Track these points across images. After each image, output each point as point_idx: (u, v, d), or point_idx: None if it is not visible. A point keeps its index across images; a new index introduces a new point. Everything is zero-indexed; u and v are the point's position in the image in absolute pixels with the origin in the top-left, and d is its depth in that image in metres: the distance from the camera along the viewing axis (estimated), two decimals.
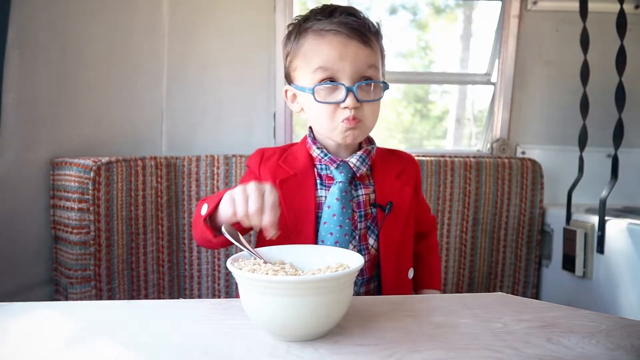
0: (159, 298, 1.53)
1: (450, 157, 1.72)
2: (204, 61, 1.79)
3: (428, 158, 1.69)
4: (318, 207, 0.97)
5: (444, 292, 1.71)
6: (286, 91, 1.02)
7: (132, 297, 1.48)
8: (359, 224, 0.97)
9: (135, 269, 1.49)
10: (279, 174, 0.99)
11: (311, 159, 1.00)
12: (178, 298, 1.57)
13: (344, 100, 0.90)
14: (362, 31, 0.91)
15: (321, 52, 0.91)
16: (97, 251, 1.38)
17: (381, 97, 0.95)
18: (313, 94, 0.92)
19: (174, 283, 1.58)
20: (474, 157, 1.74)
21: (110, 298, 1.42)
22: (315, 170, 1.00)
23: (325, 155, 0.97)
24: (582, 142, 1.62)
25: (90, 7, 1.54)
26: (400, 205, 1.00)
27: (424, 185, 1.67)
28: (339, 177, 0.96)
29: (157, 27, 1.71)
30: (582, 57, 1.60)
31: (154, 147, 1.74)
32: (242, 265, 0.71)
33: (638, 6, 1.87)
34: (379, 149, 1.05)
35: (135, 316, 0.76)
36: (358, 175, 0.98)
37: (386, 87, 0.95)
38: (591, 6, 1.59)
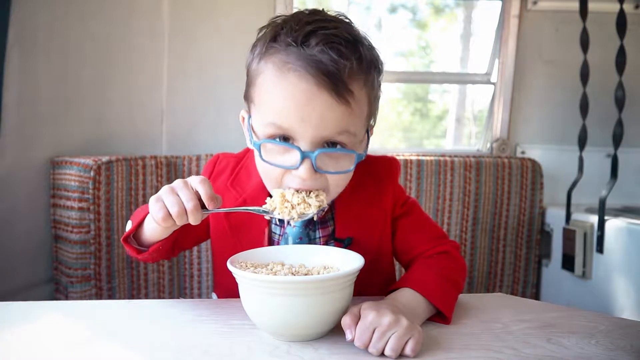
0: (159, 297, 1.53)
1: (450, 156, 1.72)
2: (204, 61, 1.79)
3: (428, 158, 1.69)
4: (272, 245, 0.80)
5: None
6: (242, 117, 0.81)
7: (132, 296, 1.48)
8: None
9: (136, 268, 1.49)
10: (226, 200, 0.80)
11: None
12: (178, 297, 1.57)
13: (296, 168, 0.68)
14: (338, 78, 0.65)
15: (277, 101, 0.68)
16: (97, 250, 1.38)
17: (350, 170, 0.72)
18: (259, 149, 0.71)
19: (174, 282, 1.58)
20: (474, 156, 1.74)
21: (110, 297, 1.42)
22: None
23: None
24: (582, 141, 1.62)
25: (90, 7, 1.54)
26: (365, 239, 0.80)
27: (424, 185, 1.67)
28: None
29: (157, 27, 1.71)
30: (582, 57, 1.60)
31: (155, 147, 1.74)
32: (242, 266, 0.71)
33: (638, 6, 1.87)
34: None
35: (135, 316, 0.76)
36: (315, 219, 0.77)
37: (360, 157, 0.72)
38: (591, 6, 1.59)
